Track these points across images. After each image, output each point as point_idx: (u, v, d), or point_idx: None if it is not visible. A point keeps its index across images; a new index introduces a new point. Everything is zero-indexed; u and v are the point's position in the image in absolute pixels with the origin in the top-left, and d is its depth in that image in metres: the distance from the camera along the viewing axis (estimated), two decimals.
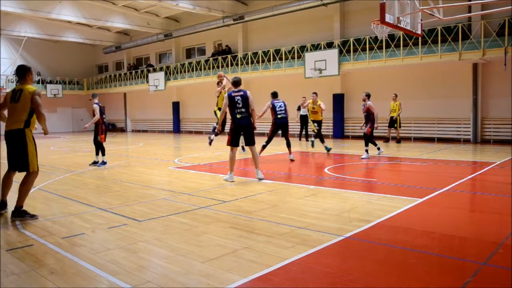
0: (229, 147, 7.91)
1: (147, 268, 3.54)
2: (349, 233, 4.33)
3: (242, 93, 7.73)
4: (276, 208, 5.58)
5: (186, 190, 7.05)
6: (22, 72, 5.40)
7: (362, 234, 4.36)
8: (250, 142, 7.88)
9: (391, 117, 15.50)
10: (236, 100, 7.69)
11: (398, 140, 15.80)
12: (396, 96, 15.66)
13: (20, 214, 5.16)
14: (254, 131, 7.89)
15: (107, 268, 3.48)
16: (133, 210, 5.62)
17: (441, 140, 16.44)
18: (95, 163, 10.52)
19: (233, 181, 7.70)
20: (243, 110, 7.68)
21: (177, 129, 28.01)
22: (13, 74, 28.50)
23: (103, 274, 3.37)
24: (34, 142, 5.31)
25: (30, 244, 4.19)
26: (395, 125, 15.49)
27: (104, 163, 10.50)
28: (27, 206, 5.38)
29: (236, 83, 7.90)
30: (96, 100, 10.38)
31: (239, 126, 7.78)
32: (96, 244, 4.19)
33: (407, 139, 17.27)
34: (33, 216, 5.20)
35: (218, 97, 11.40)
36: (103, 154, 10.51)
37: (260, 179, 7.79)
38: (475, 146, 14.54)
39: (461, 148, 13.63)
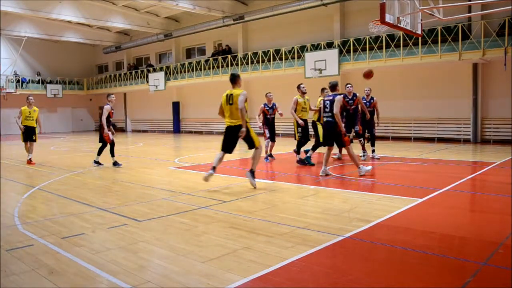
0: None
1: (147, 268, 3.54)
2: (349, 233, 4.33)
3: (331, 97, 7.98)
4: (276, 208, 5.58)
5: (186, 190, 7.05)
6: (233, 79, 6.89)
7: (362, 234, 4.36)
8: (326, 144, 8.23)
9: None
10: (325, 104, 8.02)
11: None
12: None
13: (252, 175, 6.95)
14: (342, 134, 7.86)
15: (107, 268, 3.48)
16: (133, 210, 5.62)
17: (441, 140, 16.44)
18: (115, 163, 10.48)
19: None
20: (329, 114, 7.96)
21: (177, 129, 28.00)
22: (13, 74, 28.58)
23: (103, 274, 3.37)
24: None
25: (30, 244, 4.18)
26: None
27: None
28: (27, 206, 5.40)
29: (330, 87, 8.18)
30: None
31: (325, 129, 8.19)
32: (96, 244, 4.18)
33: (407, 139, 17.28)
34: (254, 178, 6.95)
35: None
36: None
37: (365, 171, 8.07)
38: (475, 146, 14.54)
39: (461, 148, 13.62)
